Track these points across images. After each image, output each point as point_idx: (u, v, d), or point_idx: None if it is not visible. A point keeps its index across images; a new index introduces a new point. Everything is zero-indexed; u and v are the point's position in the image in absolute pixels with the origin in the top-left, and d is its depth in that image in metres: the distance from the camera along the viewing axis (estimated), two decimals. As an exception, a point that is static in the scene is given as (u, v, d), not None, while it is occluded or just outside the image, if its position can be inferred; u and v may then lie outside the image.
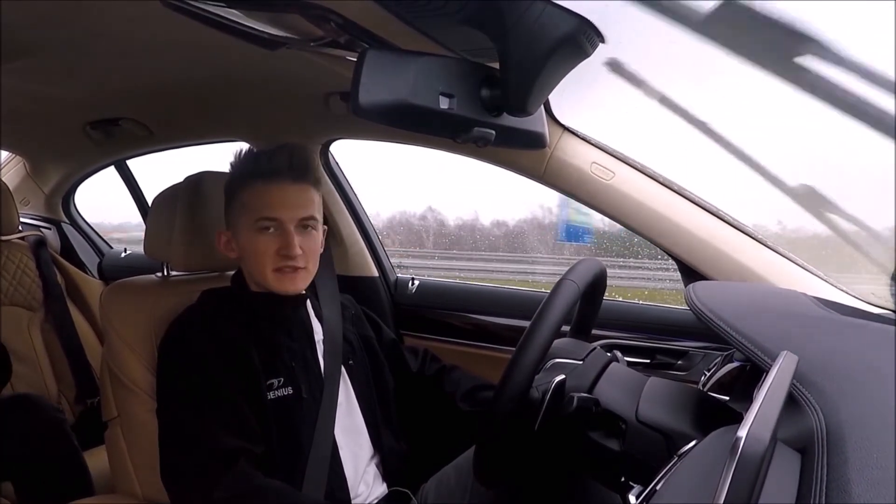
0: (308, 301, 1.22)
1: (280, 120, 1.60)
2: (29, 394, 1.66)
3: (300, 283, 1.14)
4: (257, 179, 1.11)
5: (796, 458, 0.56)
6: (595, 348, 1.04)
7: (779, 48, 0.93)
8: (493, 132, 0.81)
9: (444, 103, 0.75)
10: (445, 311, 1.69)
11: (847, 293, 1.16)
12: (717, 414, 0.87)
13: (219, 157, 1.96)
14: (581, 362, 0.99)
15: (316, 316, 1.23)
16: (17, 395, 1.66)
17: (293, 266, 1.11)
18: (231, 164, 1.18)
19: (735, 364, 1.00)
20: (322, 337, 1.21)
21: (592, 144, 1.30)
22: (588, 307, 1.12)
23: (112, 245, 2.48)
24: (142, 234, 1.30)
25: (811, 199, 1.25)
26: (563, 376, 0.93)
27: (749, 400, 0.62)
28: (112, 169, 2.23)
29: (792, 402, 0.62)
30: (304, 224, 1.13)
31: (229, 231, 1.17)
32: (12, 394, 1.64)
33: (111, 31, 1.08)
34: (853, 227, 1.28)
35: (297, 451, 1.09)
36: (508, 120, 0.84)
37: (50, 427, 1.53)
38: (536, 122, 0.90)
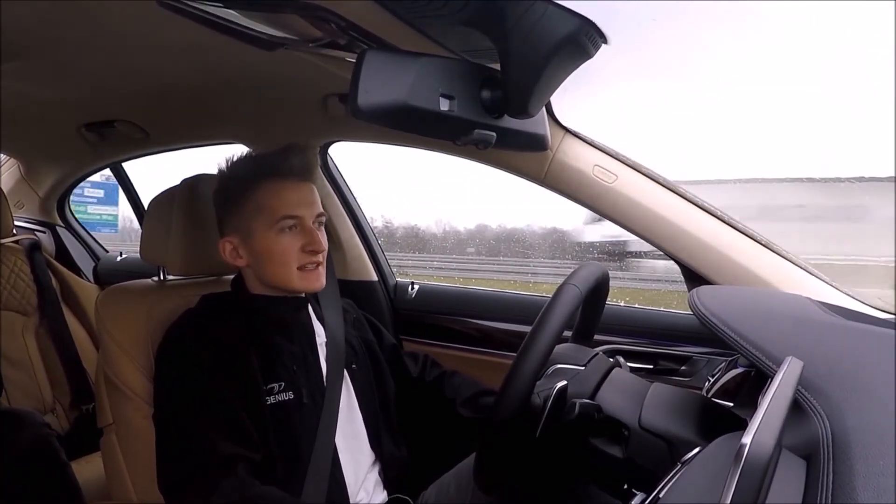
0: (309, 304, 1.21)
1: (278, 122, 1.59)
2: (15, 409, 1.64)
3: (322, 280, 1.14)
4: (271, 179, 1.10)
5: (801, 465, 0.56)
6: (597, 354, 1.03)
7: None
8: (494, 134, 0.80)
9: (444, 105, 0.75)
10: (445, 315, 1.67)
11: (853, 297, 1.15)
12: (721, 420, 0.86)
13: (216, 159, 1.95)
14: (583, 368, 0.98)
15: (318, 319, 1.22)
16: (3, 410, 1.63)
17: (316, 262, 1.11)
18: (226, 169, 1.16)
19: (739, 370, 0.99)
20: (324, 340, 1.20)
21: (595, 147, 1.29)
22: (590, 312, 1.11)
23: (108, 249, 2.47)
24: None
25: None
26: (564, 382, 0.92)
27: (754, 406, 0.62)
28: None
29: (797, 409, 0.63)
30: (319, 221, 1.14)
31: (234, 238, 1.14)
32: None
33: (106, 32, 1.07)
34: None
35: (297, 457, 1.08)
36: (509, 122, 0.83)
37: (37, 443, 1.50)
38: (538, 123, 0.89)
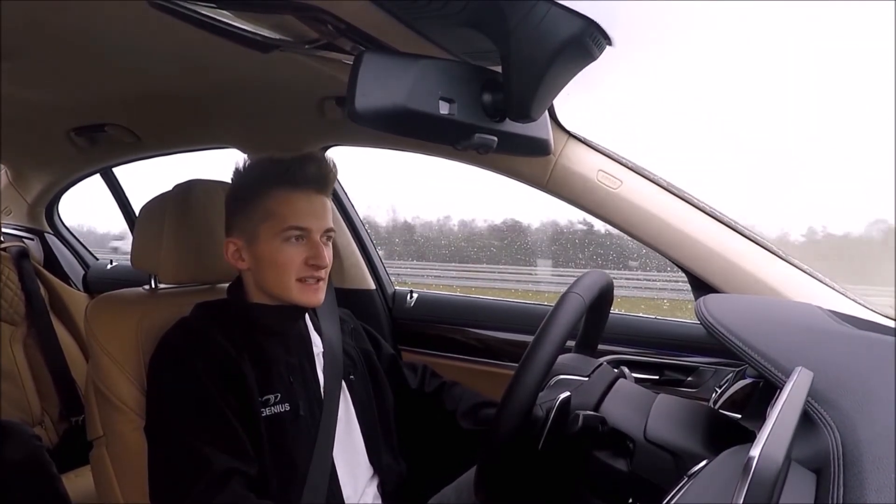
0: (306, 314, 1.19)
1: (273, 126, 1.58)
2: (4, 421, 1.61)
3: (321, 296, 1.12)
4: (285, 187, 1.08)
5: (811, 478, 0.56)
6: (601, 364, 1.03)
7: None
8: (496, 139, 0.79)
9: (444, 108, 0.74)
10: (445, 325, 1.66)
11: (864, 306, 1.14)
12: (729, 432, 0.85)
13: (210, 164, 1.94)
14: (587, 379, 0.98)
15: (315, 329, 1.20)
16: None
17: (317, 277, 1.10)
18: (241, 170, 1.14)
19: (747, 380, 0.99)
20: (321, 350, 1.18)
21: (599, 151, 1.27)
22: (594, 321, 1.10)
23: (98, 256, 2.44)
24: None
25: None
26: (568, 393, 0.91)
27: (762, 418, 0.61)
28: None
29: (807, 421, 0.62)
30: (328, 235, 1.12)
31: (239, 239, 1.12)
32: None
33: (96, 33, 1.06)
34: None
35: (294, 470, 1.06)
36: (511, 126, 0.82)
37: (27, 456, 1.48)
38: (540, 127, 0.89)
